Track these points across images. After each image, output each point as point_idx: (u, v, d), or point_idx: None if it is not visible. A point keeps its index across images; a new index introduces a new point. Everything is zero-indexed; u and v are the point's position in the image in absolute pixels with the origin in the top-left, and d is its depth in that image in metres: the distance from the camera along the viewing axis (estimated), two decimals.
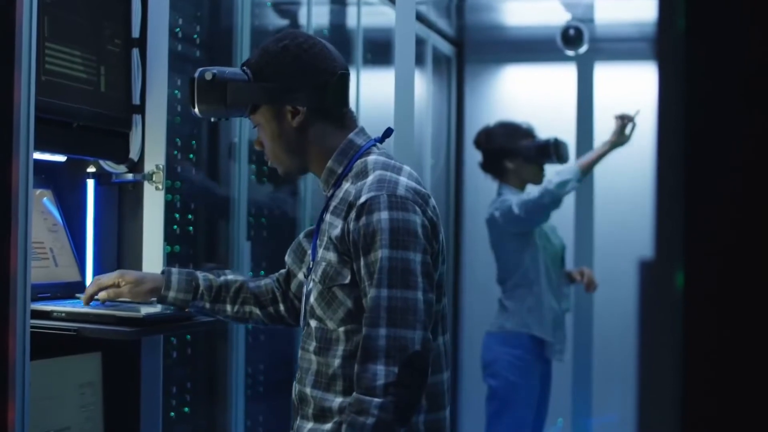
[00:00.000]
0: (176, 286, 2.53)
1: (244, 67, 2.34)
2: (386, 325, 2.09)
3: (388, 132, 2.41)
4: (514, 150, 4.57)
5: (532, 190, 4.40)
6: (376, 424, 2.06)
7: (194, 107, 2.33)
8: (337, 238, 2.19)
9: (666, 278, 1.10)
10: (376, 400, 2.07)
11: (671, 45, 1.12)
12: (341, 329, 2.22)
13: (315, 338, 2.27)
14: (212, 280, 2.55)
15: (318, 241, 2.29)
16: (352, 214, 2.16)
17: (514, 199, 4.41)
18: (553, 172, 4.46)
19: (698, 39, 1.11)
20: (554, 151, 4.53)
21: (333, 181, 2.30)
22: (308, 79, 2.28)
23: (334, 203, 2.25)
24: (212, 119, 2.44)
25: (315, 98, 2.29)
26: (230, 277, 2.58)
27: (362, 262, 2.14)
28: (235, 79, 2.30)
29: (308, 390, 2.27)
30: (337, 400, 2.21)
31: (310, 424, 2.26)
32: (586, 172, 4.40)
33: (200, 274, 2.56)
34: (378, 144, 2.35)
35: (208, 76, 2.30)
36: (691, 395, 1.10)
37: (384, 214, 2.12)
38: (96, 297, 2.57)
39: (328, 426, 2.21)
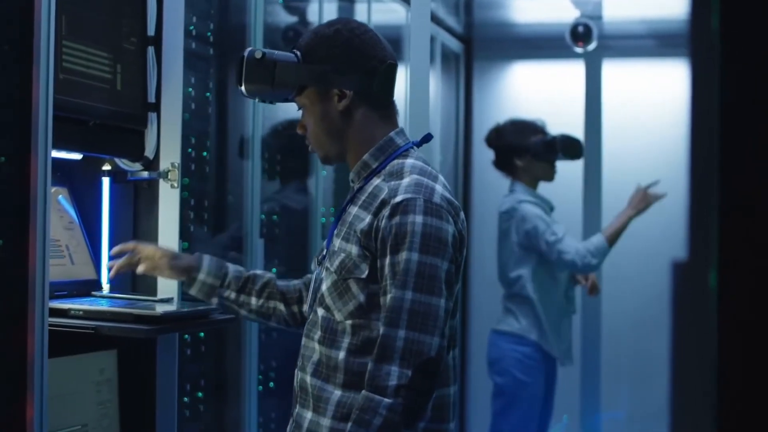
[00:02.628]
0: (207, 269, 2.53)
1: (294, 50, 2.33)
2: (406, 327, 2.08)
3: (427, 138, 2.40)
4: (522, 147, 4.57)
5: (568, 248, 4.40)
6: (382, 424, 2.05)
7: (240, 85, 2.31)
8: (362, 232, 2.18)
9: (699, 278, 1.11)
10: (386, 400, 2.06)
11: (705, 43, 1.12)
12: (348, 322, 2.21)
13: (320, 327, 2.26)
14: (241, 271, 2.56)
15: (336, 231, 2.27)
16: (385, 212, 2.15)
17: (548, 232, 4.42)
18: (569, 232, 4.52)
19: (732, 36, 1.11)
20: (560, 147, 4.54)
21: (365, 175, 2.29)
22: (358, 63, 2.27)
23: (362, 197, 2.24)
24: (257, 100, 2.43)
25: (363, 83, 2.28)
26: (259, 272, 2.58)
27: (387, 261, 2.13)
28: (284, 60, 2.29)
29: (308, 378, 2.26)
30: (336, 393, 2.20)
31: (310, 414, 2.25)
32: (614, 243, 4.45)
33: (230, 265, 2.57)
34: (415, 147, 2.33)
35: (258, 55, 2.29)
36: (725, 397, 1.10)
37: (419, 218, 2.12)
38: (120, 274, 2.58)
39: (326, 421, 2.20)
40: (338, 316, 2.22)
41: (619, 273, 5.92)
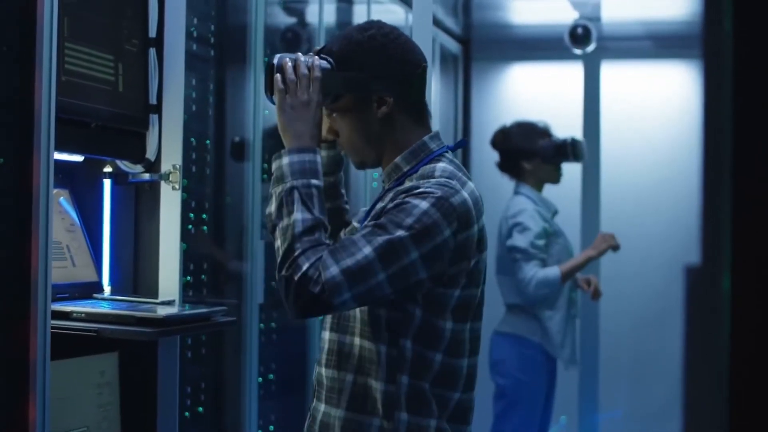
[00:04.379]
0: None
1: (323, 55, 2.26)
2: (343, 269, 2.03)
3: (461, 143, 2.38)
4: (531, 150, 4.57)
5: (525, 274, 4.44)
6: (287, 251, 2.06)
7: (272, 94, 2.24)
8: (375, 215, 2.16)
9: (712, 282, 1.10)
10: (297, 255, 2.04)
11: (718, 46, 1.12)
12: (358, 310, 2.20)
13: (335, 315, 2.24)
14: (339, 183, 2.52)
15: (363, 226, 2.24)
16: (401, 195, 2.13)
17: (520, 252, 4.46)
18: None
19: (745, 39, 1.11)
20: (571, 151, 4.55)
21: (396, 177, 2.25)
22: (396, 69, 2.23)
23: (389, 195, 2.20)
24: None
25: (402, 89, 2.24)
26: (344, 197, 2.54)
27: (375, 222, 2.10)
28: (320, 68, 2.22)
29: (323, 370, 2.25)
30: (348, 378, 2.20)
31: (322, 406, 2.24)
32: (567, 279, 4.49)
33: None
34: (449, 151, 2.29)
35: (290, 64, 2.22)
36: (737, 397, 1.10)
37: (424, 204, 2.08)
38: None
39: (339, 412, 2.20)
40: (359, 314, 2.21)
41: (617, 274, 5.93)
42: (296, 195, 2.10)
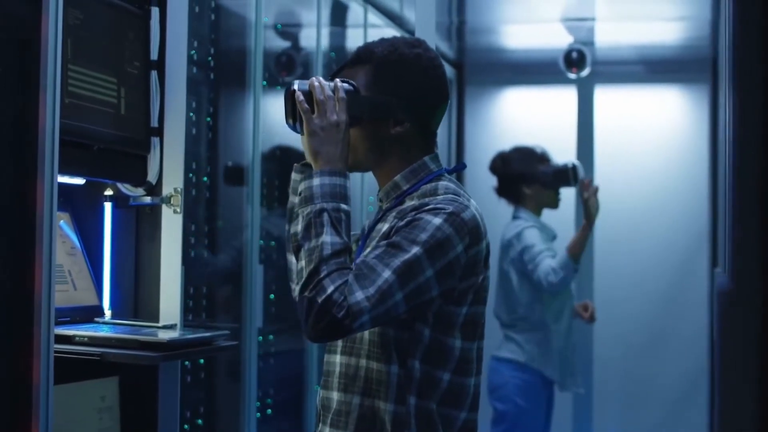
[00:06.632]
0: None
1: (345, 78, 2.22)
2: (365, 292, 2.01)
3: (459, 167, 2.37)
4: (531, 175, 4.58)
5: (540, 270, 4.43)
6: (312, 272, 2.03)
7: (295, 122, 2.21)
8: (383, 235, 2.15)
9: (745, 306, 1.09)
10: (323, 277, 2.02)
11: (750, 67, 1.11)
12: (367, 332, 2.17)
13: (355, 341, 2.21)
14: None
15: (364, 247, 2.24)
16: (411, 210, 2.12)
17: (532, 256, 4.45)
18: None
19: None
20: (572, 176, 4.55)
21: (395, 195, 2.24)
22: (427, 96, 2.22)
23: (391, 215, 2.19)
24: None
25: (425, 117, 2.23)
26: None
27: (387, 241, 2.08)
28: (345, 90, 2.19)
29: (330, 393, 2.23)
30: (356, 400, 2.17)
31: (328, 430, 2.22)
32: (578, 258, 4.44)
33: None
34: (447, 174, 2.28)
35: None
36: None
37: (437, 220, 2.08)
38: None
39: None
40: (367, 335, 2.19)
41: (610, 298, 5.95)
42: (326, 217, 2.09)
